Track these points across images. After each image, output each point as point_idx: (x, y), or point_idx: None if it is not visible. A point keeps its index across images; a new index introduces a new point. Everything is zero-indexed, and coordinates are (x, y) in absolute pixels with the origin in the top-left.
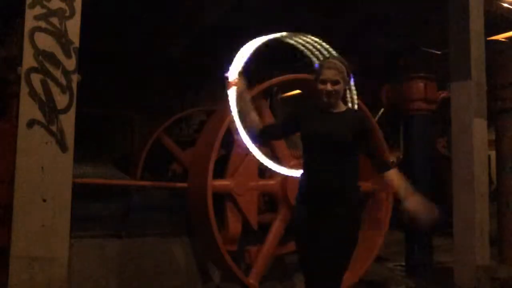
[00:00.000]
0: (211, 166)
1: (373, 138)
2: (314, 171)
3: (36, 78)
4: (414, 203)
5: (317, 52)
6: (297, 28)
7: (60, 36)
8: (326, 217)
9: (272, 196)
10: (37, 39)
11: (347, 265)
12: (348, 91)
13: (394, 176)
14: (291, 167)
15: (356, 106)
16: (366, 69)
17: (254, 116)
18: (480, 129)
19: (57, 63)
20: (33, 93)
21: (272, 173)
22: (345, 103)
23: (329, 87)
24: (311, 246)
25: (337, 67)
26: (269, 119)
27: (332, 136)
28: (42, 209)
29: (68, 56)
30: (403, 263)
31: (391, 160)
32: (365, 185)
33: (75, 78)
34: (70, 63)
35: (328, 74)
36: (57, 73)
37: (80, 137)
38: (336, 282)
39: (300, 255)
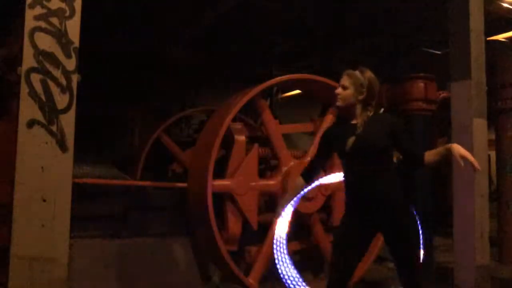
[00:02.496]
0: (211, 166)
1: (404, 137)
2: (353, 185)
3: (36, 78)
4: (462, 149)
5: None
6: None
7: (60, 36)
8: (380, 225)
9: (272, 196)
10: (37, 39)
11: (419, 254)
12: None
13: (431, 155)
14: (291, 167)
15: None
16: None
17: (294, 190)
18: (480, 129)
19: (57, 63)
20: (33, 93)
21: (272, 173)
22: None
23: (337, 90)
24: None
25: (349, 74)
26: (269, 119)
27: (361, 148)
28: (42, 209)
29: (68, 56)
30: None
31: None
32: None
33: (75, 78)
34: (70, 63)
35: (341, 79)
36: (57, 73)
37: (80, 137)
38: (418, 271)
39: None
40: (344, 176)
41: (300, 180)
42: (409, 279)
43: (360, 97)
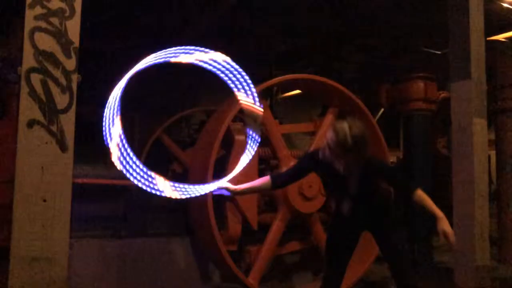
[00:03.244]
0: (211, 166)
1: (393, 176)
2: (347, 215)
3: (36, 78)
4: (448, 225)
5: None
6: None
7: (60, 36)
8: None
9: (272, 196)
10: (37, 39)
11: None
12: None
13: (424, 196)
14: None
15: None
16: (365, 69)
17: (250, 187)
18: (480, 129)
19: (57, 63)
20: (33, 93)
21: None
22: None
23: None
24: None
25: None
26: (269, 119)
27: (358, 197)
28: (42, 209)
29: (68, 56)
30: None
31: (391, 160)
32: None
33: (75, 78)
34: (70, 63)
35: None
36: (57, 73)
37: (80, 137)
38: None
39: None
40: (331, 194)
41: (268, 182)
42: (402, 278)
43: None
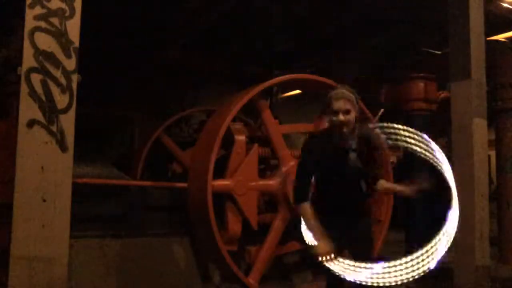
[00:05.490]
0: (211, 166)
1: (378, 156)
2: (337, 208)
3: (36, 78)
4: (407, 187)
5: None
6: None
7: (60, 36)
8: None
9: (272, 196)
10: (37, 39)
11: None
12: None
13: (384, 183)
14: (291, 167)
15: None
16: (365, 69)
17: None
18: (480, 129)
19: (57, 63)
20: (33, 93)
21: (272, 173)
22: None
23: (341, 117)
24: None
25: (346, 96)
26: (269, 119)
27: (352, 178)
28: (42, 209)
29: (68, 56)
30: None
31: (391, 160)
32: None
33: (75, 78)
34: (70, 63)
35: (339, 104)
36: (57, 73)
37: (80, 137)
38: None
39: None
40: (324, 197)
41: (308, 209)
42: None
43: (356, 116)
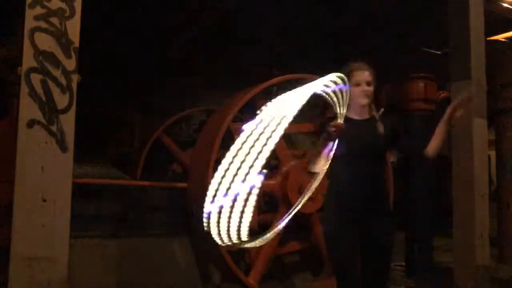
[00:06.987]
0: (211, 166)
1: (404, 136)
2: (354, 185)
3: (36, 78)
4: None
5: None
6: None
7: (60, 36)
8: (371, 227)
9: (272, 196)
10: (37, 39)
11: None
12: None
13: (432, 142)
14: (291, 167)
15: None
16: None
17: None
18: (480, 129)
19: (57, 63)
20: (33, 93)
21: (272, 173)
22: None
23: (366, 87)
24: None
25: (368, 68)
26: None
27: (373, 147)
28: (42, 209)
29: (68, 56)
30: (403, 263)
31: (391, 160)
32: None
33: (75, 78)
34: (70, 63)
35: (362, 75)
36: (57, 73)
37: (80, 137)
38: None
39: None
40: (341, 175)
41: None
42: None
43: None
